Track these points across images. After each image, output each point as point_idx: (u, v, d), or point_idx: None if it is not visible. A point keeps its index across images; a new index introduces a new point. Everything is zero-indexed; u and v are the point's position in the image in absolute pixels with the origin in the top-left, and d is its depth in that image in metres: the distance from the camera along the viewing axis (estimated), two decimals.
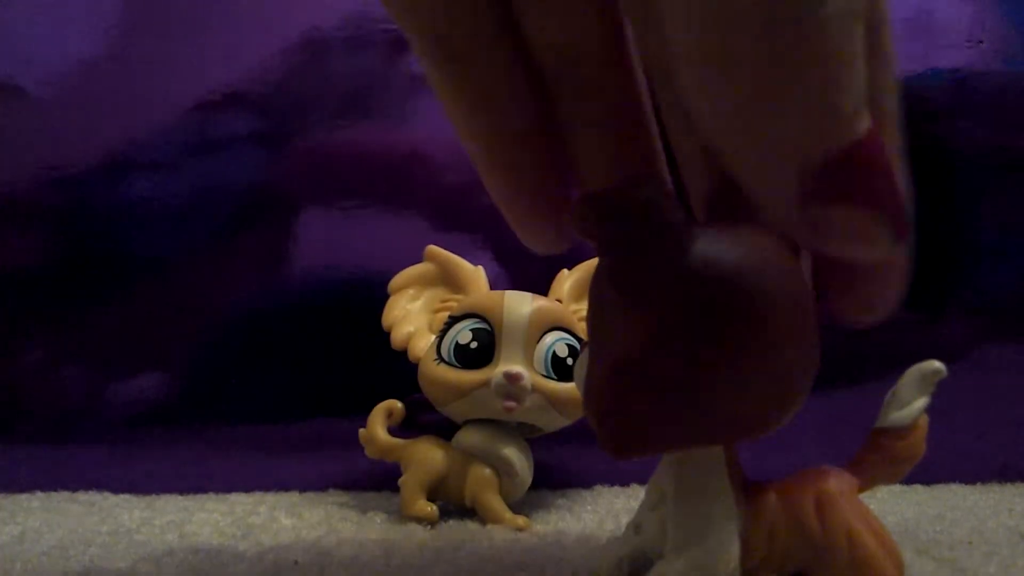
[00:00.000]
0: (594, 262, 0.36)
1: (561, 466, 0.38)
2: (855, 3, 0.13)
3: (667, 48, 0.14)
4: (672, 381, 0.15)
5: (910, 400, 0.21)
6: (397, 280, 0.36)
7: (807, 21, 0.12)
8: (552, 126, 0.18)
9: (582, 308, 0.35)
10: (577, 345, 0.32)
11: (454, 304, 0.34)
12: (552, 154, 0.18)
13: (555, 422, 0.32)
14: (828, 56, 0.13)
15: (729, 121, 0.14)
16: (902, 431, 0.21)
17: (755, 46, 0.13)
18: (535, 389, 0.31)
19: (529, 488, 0.33)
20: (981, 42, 0.39)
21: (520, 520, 0.31)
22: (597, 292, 0.18)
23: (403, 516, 0.32)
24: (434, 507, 0.31)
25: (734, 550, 0.19)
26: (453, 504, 0.32)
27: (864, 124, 0.13)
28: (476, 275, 0.35)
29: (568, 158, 0.18)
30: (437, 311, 0.35)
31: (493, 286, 0.35)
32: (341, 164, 0.42)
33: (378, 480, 0.37)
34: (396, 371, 0.34)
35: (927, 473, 0.36)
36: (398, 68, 0.42)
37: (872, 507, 0.20)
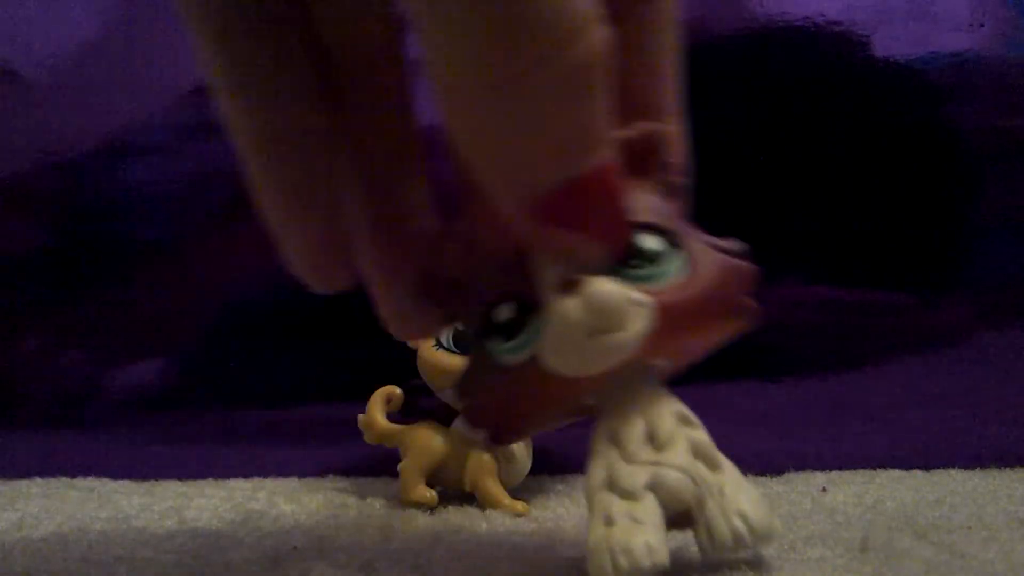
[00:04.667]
0: None
1: (560, 452, 0.38)
2: (594, 51, 0.13)
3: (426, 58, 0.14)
4: None
5: None
6: None
7: (548, 63, 0.13)
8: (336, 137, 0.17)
9: None
10: None
11: None
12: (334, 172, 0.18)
13: None
14: (564, 97, 0.13)
15: (473, 138, 0.15)
16: None
17: (494, 76, 0.13)
18: None
19: (528, 474, 0.33)
20: (982, 25, 0.38)
21: (519, 505, 0.31)
22: None
23: (402, 501, 0.32)
24: (433, 492, 0.31)
25: None
26: (452, 489, 0.32)
27: (594, 159, 0.15)
28: None
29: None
30: None
31: None
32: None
33: (377, 466, 0.37)
34: (395, 357, 0.34)
35: (926, 458, 0.36)
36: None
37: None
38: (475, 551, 0.24)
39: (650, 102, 0.18)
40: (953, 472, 0.36)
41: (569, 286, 0.17)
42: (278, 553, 0.24)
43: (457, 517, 0.30)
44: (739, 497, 0.19)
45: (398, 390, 0.34)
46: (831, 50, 0.38)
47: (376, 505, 0.32)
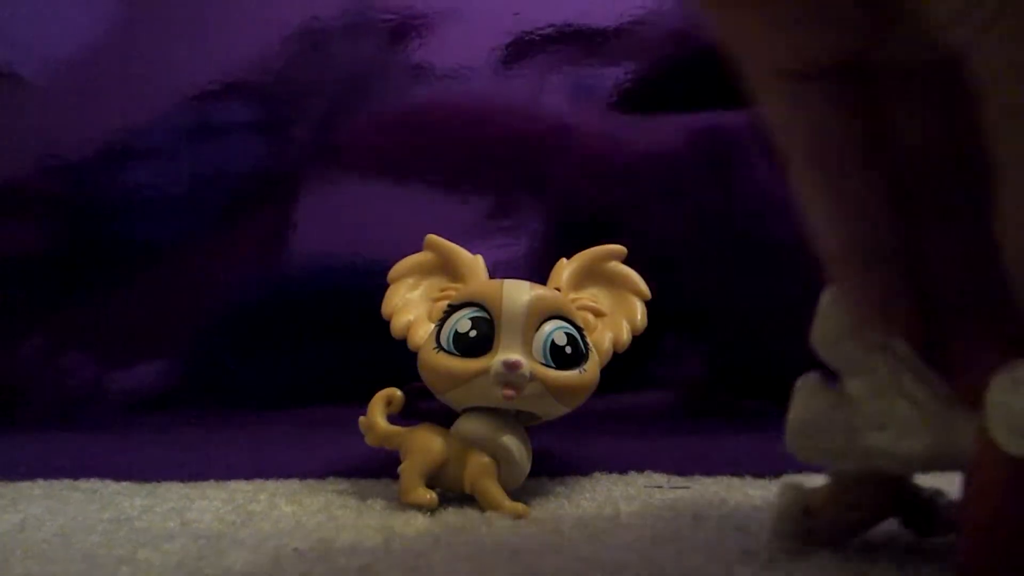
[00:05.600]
0: (592, 250, 0.36)
1: (560, 454, 0.38)
2: None
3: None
4: None
5: None
6: (397, 269, 0.36)
7: None
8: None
9: (581, 296, 0.35)
10: (576, 333, 0.32)
11: (453, 293, 0.34)
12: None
13: (554, 410, 0.32)
14: None
15: None
16: None
17: None
18: (534, 377, 0.31)
19: (528, 476, 0.33)
20: None
21: (519, 507, 0.31)
22: None
23: (402, 503, 0.32)
24: (433, 494, 0.31)
25: None
26: (452, 491, 0.32)
27: None
28: (475, 264, 0.35)
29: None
30: (436, 300, 0.35)
31: (492, 275, 0.35)
32: (340, 152, 0.42)
33: (378, 467, 0.37)
34: (396, 359, 0.34)
35: None
36: (397, 57, 0.42)
37: None
38: (475, 553, 0.24)
39: None
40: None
41: None
42: (279, 554, 0.24)
43: (457, 519, 0.30)
44: None
45: (399, 392, 0.34)
46: None
47: (376, 507, 0.32)
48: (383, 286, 0.35)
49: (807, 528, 0.21)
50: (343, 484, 0.37)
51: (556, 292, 0.33)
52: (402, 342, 0.34)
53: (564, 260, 0.36)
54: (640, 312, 0.35)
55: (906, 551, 0.23)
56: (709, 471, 0.37)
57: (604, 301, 0.35)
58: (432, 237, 0.36)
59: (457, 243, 0.36)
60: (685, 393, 0.39)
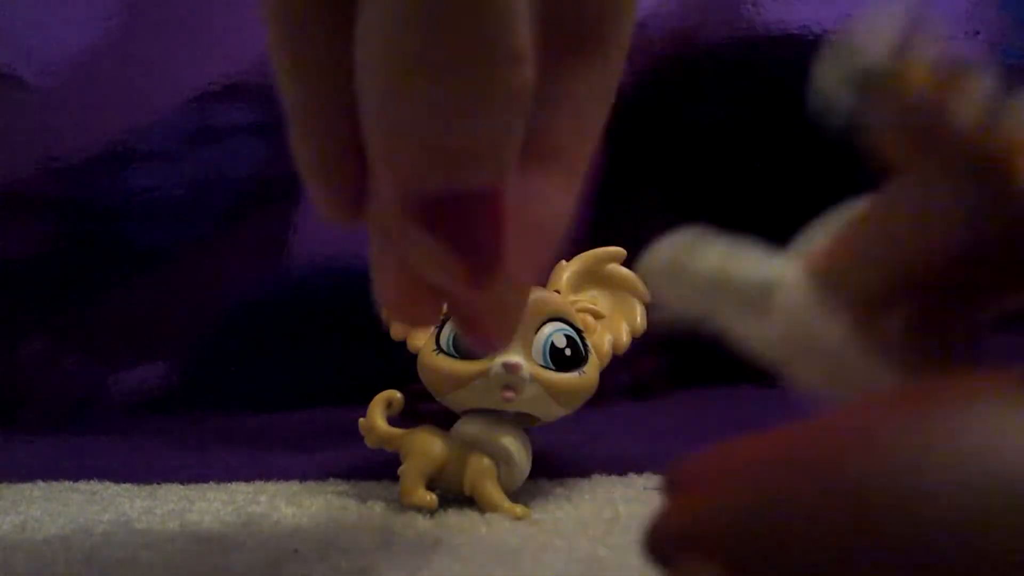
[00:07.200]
0: (591, 252, 0.36)
1: (559, 455, 0.38)
2: (519, 81, 0.13)
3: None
4: None
5: None
6: None
7: (476, 69, 0.13)
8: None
9: (580, 299, 0.35)
10: (575, 335, 0.32)
11: None
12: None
13: (553, 412, 0.33)
14: (477, 107, 0.13)
15: (379, 119, 0.14)
16: None
17: (420, 62, 0.13)
18: (533, 379, 0.31)
19: (527, 477, 0.33)
20: (978, 33, 0.39)
21: (518, 509, 0.31)
22: None
23: (402, 505, 0.32)
24: (433, 496, 0.31)
25: None
26: (452, 493, 0.33)
27: (487, 180, 0.14)
28: None
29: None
30: None
31: None
32: None
33: (378, 469, 0.37)
34: (396, 361, 0.34)
35: None
36: None
37: None
38: (475, 554, 0.24)
39: (560, 149, 0.17)
40: None
41: None
42: (279, 556, 0.24)
43: (457, 520, 0.30)
44: None
45: (398, 394, 0.34)
46: None
47: (376, 508, 0.32)
48: None
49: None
50: (343, 486, 0.37)
51: (555, 294, 0.34)
52: (402, 344, 0.34)
53: (563, 262, 0.36)
54: (640, 314, 0.35)
55: None
56: None
57: (603, 303, 0.35)
58: None
59: None
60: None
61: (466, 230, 0.15)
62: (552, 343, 0.32)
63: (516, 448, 0.32)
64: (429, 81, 0.13)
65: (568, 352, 0.32)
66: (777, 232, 0.17)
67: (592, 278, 0.36)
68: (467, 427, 0.32)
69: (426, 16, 0.13)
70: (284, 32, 0.15)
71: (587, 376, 0.32)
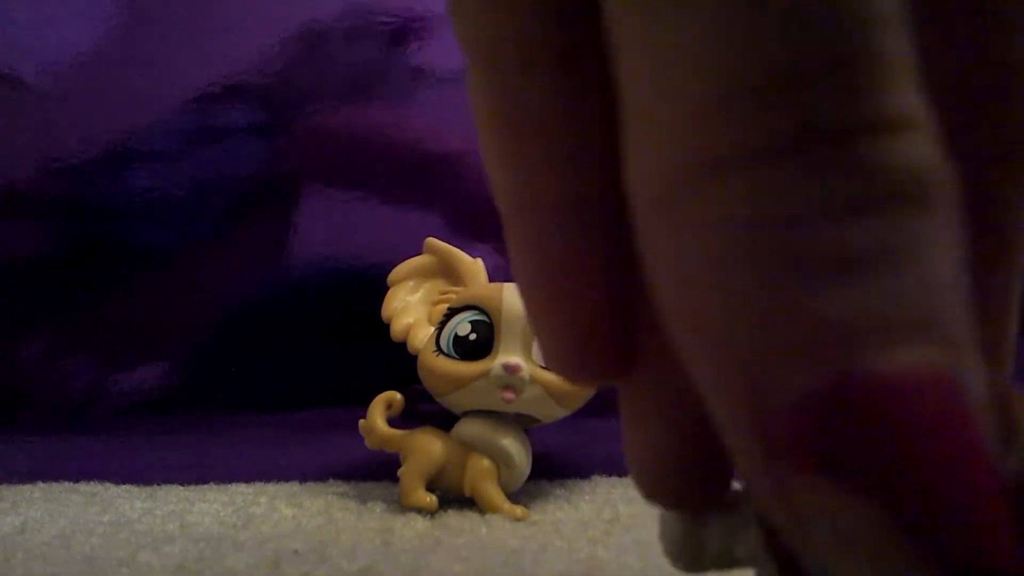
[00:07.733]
0: None
1: (559, 456, 0.38)
2: (918, 162, 0.08)
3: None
4: None
5: None
6: (396, 272, 0.36)
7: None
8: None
9: None
10: None
11: (453, 296, 0.34)
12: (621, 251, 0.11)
13: (553, 413, 0.33)
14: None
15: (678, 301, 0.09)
16: None
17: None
18: (534, 380, 0.31)
19: (528, 478, 0.33)
20: None
21: (518, 510, 0.31)
22: None
23: (402, 505, 0.32)
24: (433, 497, 0.31)
25: None
26: (452, 494, 0.33)
27: (894, 355, 0.08)
28: (475, 267, 0.35)
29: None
30: (436, 303, 0.35)
31: (492, 278, 0.35)
32: (341, 155, 0.42)
33: (378, 470, 0.37)
34: (396, 362, 0.34)
35: None
36: (398, 59, 0.42)
37: None
38: (475, 555, 0.24)
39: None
40: None
41: None
42: (279, 556, 0.24)
43: (457, 521, 0.30)
44: None
45: (399, 395, 0.34)
46: None
47: (376, 509, 0.32)
48: (383, 289, 0.35)
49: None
50: (343, 487, 0.37)
51: None
52: (402, 345, 0.34)
53: None
54: None
55: None
56: None
57: None
58: (432, 240, 0.36)
59: (457, 247, 0.36)
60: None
61: (863, 444, 0.08)
62: None
63: (516, 449, 0.32)
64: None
65: None
66: None
67: None
68: (467, 428, 0.32)
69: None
70: (493, 88, 0.11)
71: None
